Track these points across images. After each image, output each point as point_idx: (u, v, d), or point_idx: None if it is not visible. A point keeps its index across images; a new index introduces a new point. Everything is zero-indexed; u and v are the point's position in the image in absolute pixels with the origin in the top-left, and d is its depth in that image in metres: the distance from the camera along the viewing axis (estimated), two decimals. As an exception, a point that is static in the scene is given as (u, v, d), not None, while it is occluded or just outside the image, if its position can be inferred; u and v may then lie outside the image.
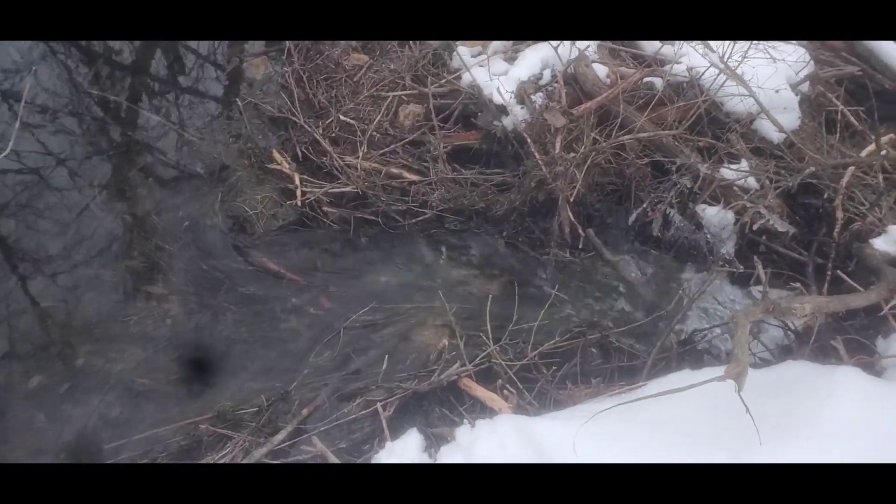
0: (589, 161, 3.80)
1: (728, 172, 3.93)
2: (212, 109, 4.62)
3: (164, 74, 4.96)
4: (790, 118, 4.08)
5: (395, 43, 4.56)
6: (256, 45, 4.91)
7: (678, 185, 3.95)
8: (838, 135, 4.15)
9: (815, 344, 3.24)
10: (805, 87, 4.25)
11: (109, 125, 4.50)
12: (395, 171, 4.10)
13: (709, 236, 3.88)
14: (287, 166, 4.06)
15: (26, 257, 3.81)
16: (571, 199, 3.78)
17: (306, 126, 4.21)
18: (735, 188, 3.95)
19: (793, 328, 3.43)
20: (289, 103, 4.33)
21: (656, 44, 4.42)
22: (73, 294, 3.67)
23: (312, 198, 3.94)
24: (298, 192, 3.95)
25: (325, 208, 3.96)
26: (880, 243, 3.54)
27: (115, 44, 5.09)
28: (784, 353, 3.41)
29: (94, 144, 4.39)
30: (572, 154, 3.77)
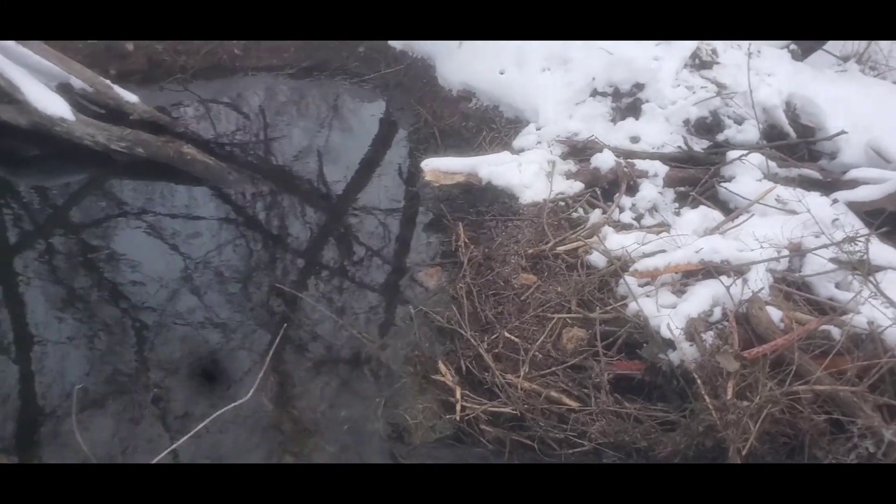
0: (764, 412, 3.63)
1: (917, 440, 3.65)
2: (382, 313, 4.86)
3: (340, 273, 5.31)
4: None
5: (563, 266, 4.70)
6: (433, 256, 5.23)
7: (858, 448, 3.69)
8: None
9: None
10: None
11: (282, 315, 4.78)
12: (555, 395, 4.07)
13: (897, 511, 3.54)
14: (450, 379, 4.13)
15: (175, 428, 3.98)
16: (744, 452, 3.59)
17: (472, 340, 4.31)
18: (924, 457, 3.65)
19: None
20: (458, 315, 4.48)
21: (832, 289, 4.35)
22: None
23: (471, 414, 3.96)
24: (458, 407, 3.98)
25: (482, 426, 3.95)
26: None
27: (297, 234, 5.62)
28: None
29: (269, 330, 4.66)
30: (746, 403, 3.64)
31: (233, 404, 3.24)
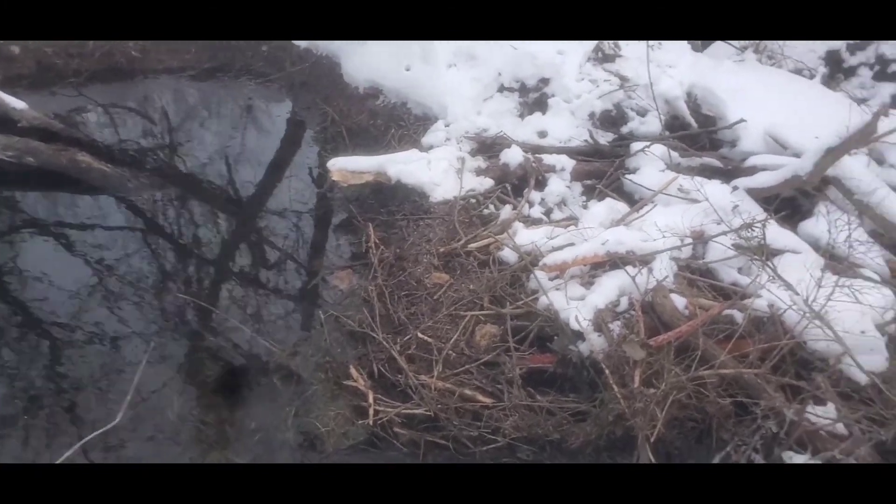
0: (670, 399, 3.70)
1: (815, 417, 3.77)
2: (293, 319, 4.75)
3: (250, 279, 5.17)
4: (877, 360, 3.95)
5: (475, 263, 4.69)
6: (343, 258, 5.13)
7: (762, 429, 3.80)
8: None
9: None
10: (893, 328, 4.14)
11: (190, 323, 4.65)
12: (468, 392, 4.05)
13: (798, 487, 3.65)
14: (363, 384, 4.07)
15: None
16: (652, 439, 3.65)
17: (384, 342, 4.25)
18: (822, 433, 3.78)
19: None
20: (369, 318, 4.41)
21: (734, 274, 4.47)
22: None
23: (385, 418, 3.90)
24: (371, 412, 3.92)
25: (396, 429, 3.90)
26: None
27: (206, 237, 5.46)
28: None
29: (177, 340, 4.53)
30: (652, 390, 3.69)
31: (101, 430, 3.13)
